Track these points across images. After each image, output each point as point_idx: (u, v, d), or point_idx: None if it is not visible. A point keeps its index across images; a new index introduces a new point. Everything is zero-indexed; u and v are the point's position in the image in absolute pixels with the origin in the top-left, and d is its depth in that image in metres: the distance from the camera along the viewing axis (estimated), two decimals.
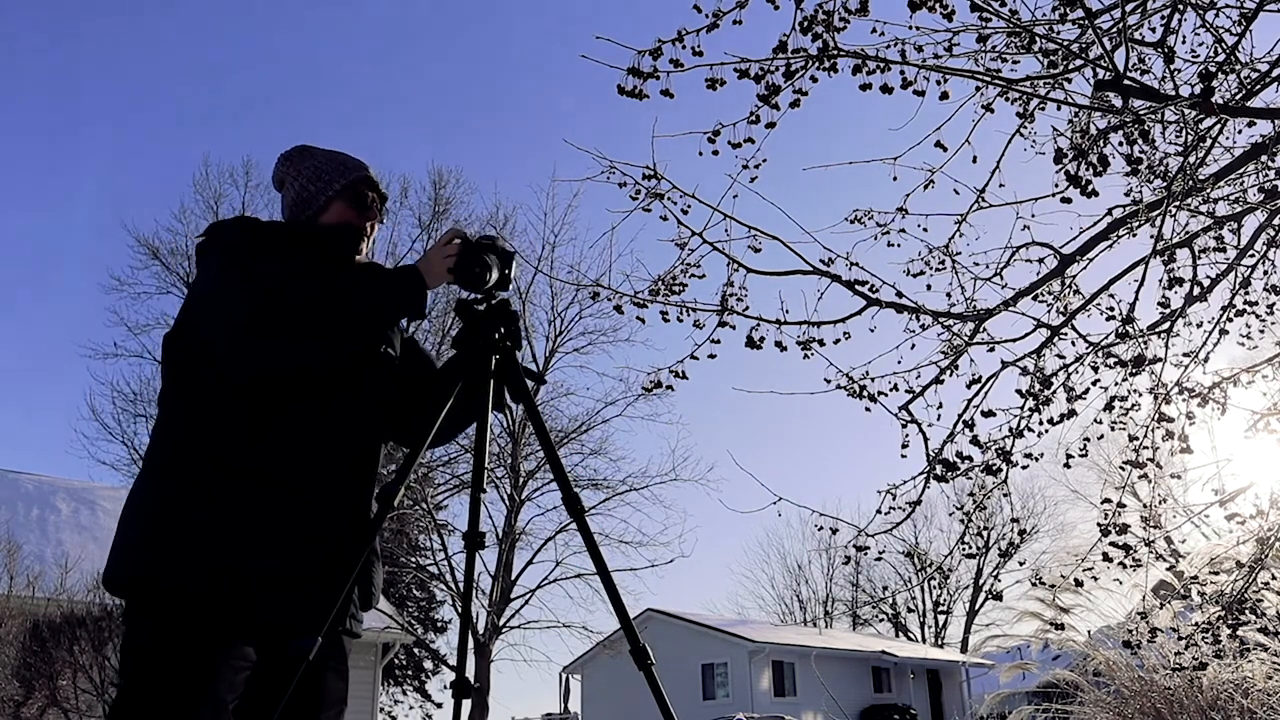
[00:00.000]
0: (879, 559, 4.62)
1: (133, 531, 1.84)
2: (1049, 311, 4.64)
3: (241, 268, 1.92)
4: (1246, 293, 4.44)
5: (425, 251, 2.08)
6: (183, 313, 2.01)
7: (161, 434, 1.94)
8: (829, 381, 4.45)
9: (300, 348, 1.90)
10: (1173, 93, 3.54)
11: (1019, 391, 4.56)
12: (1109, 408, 4.39)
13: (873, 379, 4.49)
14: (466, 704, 1.84)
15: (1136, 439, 4.01)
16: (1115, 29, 3.58)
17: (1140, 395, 4.30)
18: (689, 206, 3.97)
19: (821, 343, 4.29)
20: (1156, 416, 3.89)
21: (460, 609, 2.00)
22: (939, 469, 4.50)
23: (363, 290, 1.98)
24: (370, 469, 2.06)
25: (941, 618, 40.60)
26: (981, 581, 38.45)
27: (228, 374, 1.89)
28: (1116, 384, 4.39)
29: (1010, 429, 4.53)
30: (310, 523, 1.89)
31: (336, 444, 1.97)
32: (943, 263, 4.67)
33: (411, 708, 33.44)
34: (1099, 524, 4.14)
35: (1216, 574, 4.76)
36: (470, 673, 1.85)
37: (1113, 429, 4.39)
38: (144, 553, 1.81)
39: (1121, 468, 4.04)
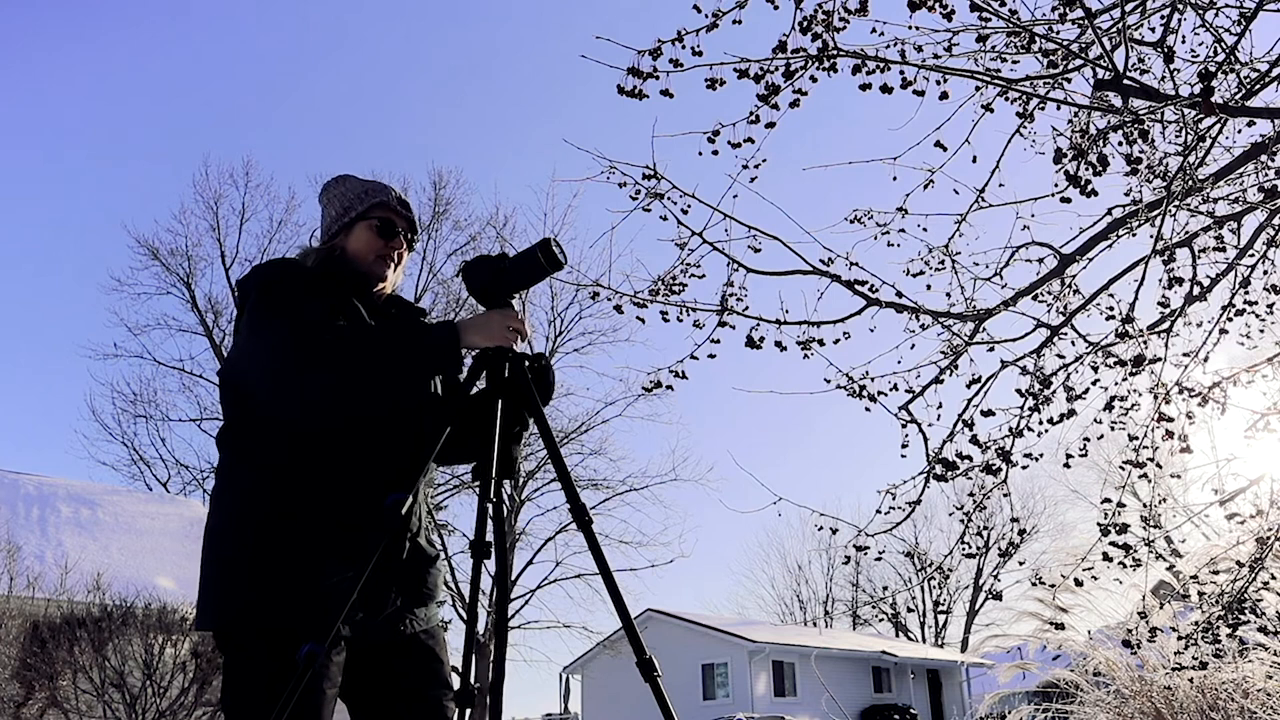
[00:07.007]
0: (879, 559, 4.62)
1: (229, 578, 1.94)
2: (1049, 311, 4.64)
3: (280, 315, 1.97)
4: (1246, 292, 4.43)
5: (486, 313, 2.07)
6: (232, 353, 2.10)
7: (231, 479, 2.02)
8: (829, 381, 4.45)
9: (335, 398, 1.96)
10: (1172, 93, 3.54)
11: (1019, 391, 4.56)
12: (1109, 407, 4.39)
13: (873, 379, 4.50)
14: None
15: (1136, 439, 4.00)
16: (1115, 29, 3.58)
17: (1140, 395, 4.30)
18: (689, 206, 3.98)
19: (821, 343, 4.29)
20: (1156, 416, 3.89)
21: (465, 616, 2.03)
22: (939, 469, 4.50)
23: (396, 348, 1.99)
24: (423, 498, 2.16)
25: (941, 618, 40.60)
26: (981, 581, 38.44)
27: (274, 420, 1.99)
28: (1116, 384, 4.39)
29: (1010, 429, 4.53)
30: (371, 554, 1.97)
31: (390, 477, 2.01)
32: (943, 263, 4.68)
33: None
34: (1099, 524, 4.14)
35: (1216, 574, 4.75)
36: (471, 674, 1.85)
37: (1113, 429, 4.39)
38: (248, 598, 1.90)
39: (1121, 468, 4.03)
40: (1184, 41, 4.28)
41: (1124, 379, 4.29)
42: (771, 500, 4.31)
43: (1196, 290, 4.48)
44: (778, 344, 4.24)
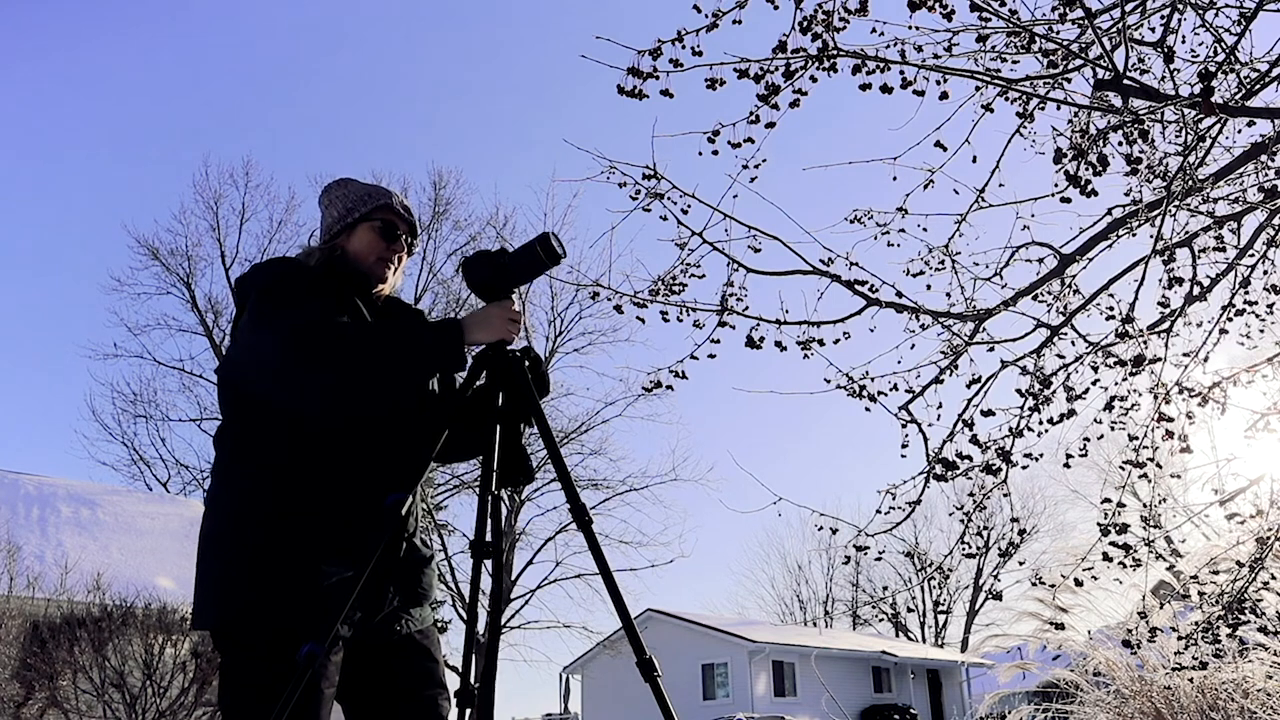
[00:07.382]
0: (879, 559, 4.62)
1: (229, 578, 1.93)
2: (1049, 311, 4.64)
3: (282, 313, 1.95)
4: (1246, 292, 4.43)
5: (485, 308, 2.07)
6: (231, 351, 2.10)
7: (229, 478, 2.01)
8: (829, 381, 4.45)
9: (337, 397, 1.95)
10: (1172, 93, 3.54)
11: (1019, 391, 4.56)
12: (1109, 407, 4.39)
13: (873, 379, 4.50)
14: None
15: (1136, 439, 4.00)
16: (1115, 29, 3.58)
17: (1140, 395, 4.30)
18: (689, 206, 3.98)
19: (821, 343, 4.29)
20: (1156, 416, 3.89)
21: (465, 616, 2.02)
22: (939, 469, 4.50)
23: (399, 347, 1.98)
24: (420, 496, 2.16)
25: (941, 618, 40.59)
26: (981, 581, 38.43)
27: (276, 415, 1.98)
28: (1116, 384, 4.39)
29: (1010, 429, 4.53)
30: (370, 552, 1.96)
31: (389, 477, 2.01)
32: (943, 263, 4.68)
33: None
34: (1099, 524, 4.13)
35: (1216, 574, 4.75)
36: (472, 674, 1.85)
37: (1113, 429, 4.39)
38: (248, 597, 1.89)
39: (1121, 468, 4.03)
40: (1184, 41, 4.29)
41: (1124, 379, 4.29)
42: (771, 500, 4.31)
43: (1196, 290, 4.48)
44: (778, 344, 4.24)
